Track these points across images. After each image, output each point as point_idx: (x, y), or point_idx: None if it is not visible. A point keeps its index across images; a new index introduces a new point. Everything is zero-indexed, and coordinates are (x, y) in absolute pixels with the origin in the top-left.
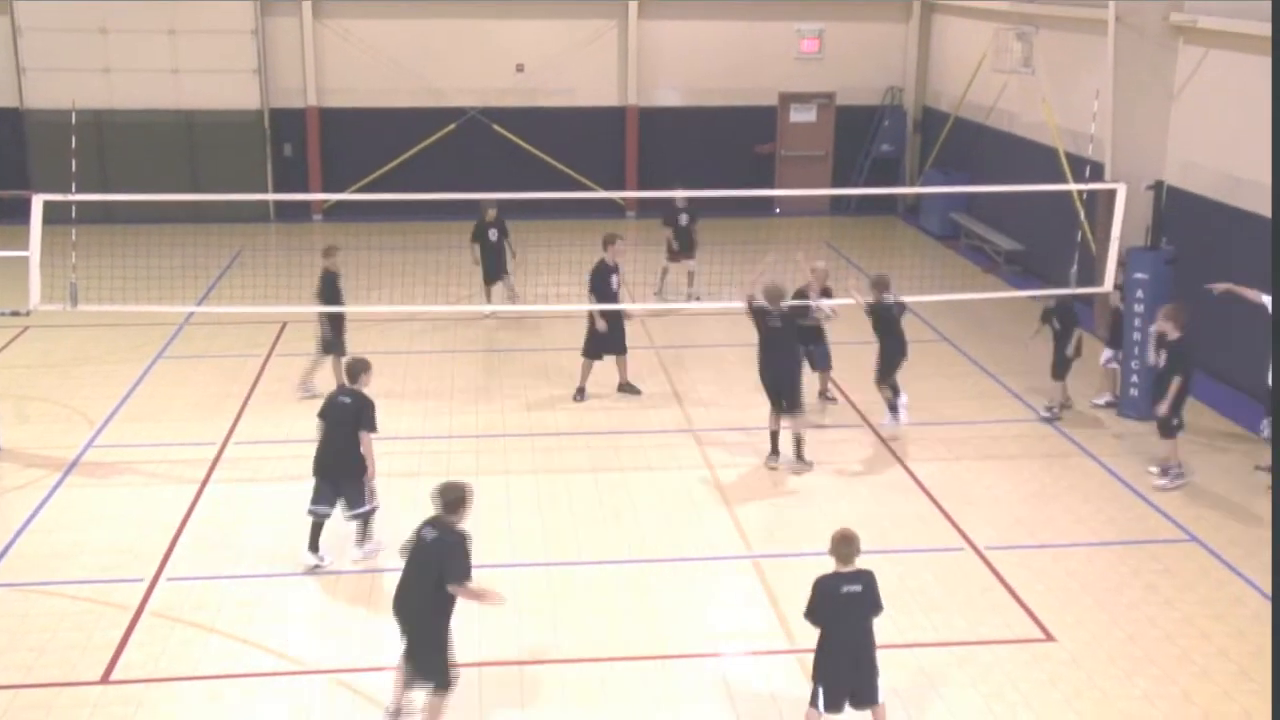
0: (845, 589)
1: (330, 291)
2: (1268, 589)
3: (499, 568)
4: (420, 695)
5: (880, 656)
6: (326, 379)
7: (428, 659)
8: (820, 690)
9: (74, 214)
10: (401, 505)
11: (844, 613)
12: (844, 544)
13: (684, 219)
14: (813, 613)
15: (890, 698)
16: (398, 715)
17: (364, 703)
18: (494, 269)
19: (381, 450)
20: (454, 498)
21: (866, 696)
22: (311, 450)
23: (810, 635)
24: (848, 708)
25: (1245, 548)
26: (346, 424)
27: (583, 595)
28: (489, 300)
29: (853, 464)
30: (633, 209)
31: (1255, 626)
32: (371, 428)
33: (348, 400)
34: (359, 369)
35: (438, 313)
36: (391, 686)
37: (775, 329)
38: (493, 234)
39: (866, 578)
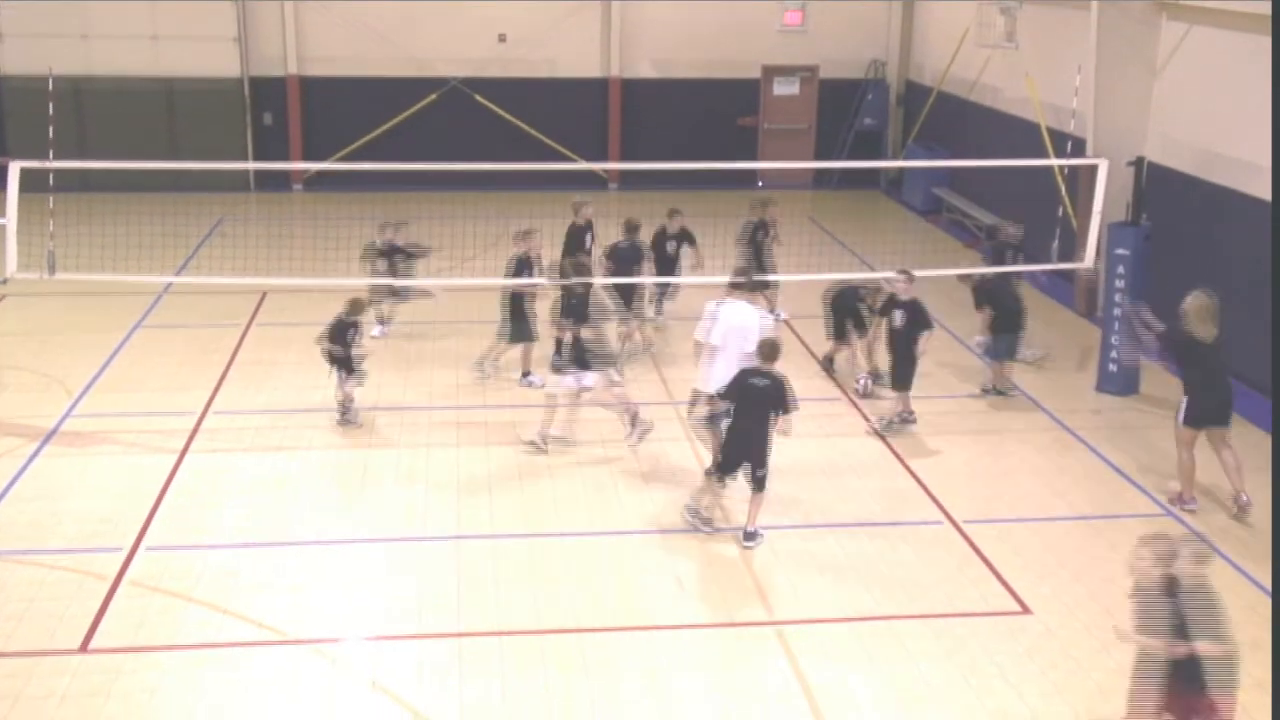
0: (754, 381)
1: (521, 272)
2: (1241, 562)
3: (480, 539)
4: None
5: (859, 628)
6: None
7: (764, 468)
8: (720, 461)
9: (52, 182)
10: (379, 479)
11: (747, 400)
12: (766, 347)
13: (670, 246)
14: (725, 394)
15: (868, 669)
16: (709, 521)
17: (343, 672)
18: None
19: (365, 420)
20: (770, 350)
21: (755, 480)
22: (290, 419)
23: (789, 606)
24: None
25: (1220, 522)
26: (764, 406)
27: (562, 567)
28: None
29: (832, 438)
30: (615, 181)
31: (1228, 599)
32: (794, 405)
33: (765, 382)
34: (771, 351)
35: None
36: (702, 498)
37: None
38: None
39: (777, 377)
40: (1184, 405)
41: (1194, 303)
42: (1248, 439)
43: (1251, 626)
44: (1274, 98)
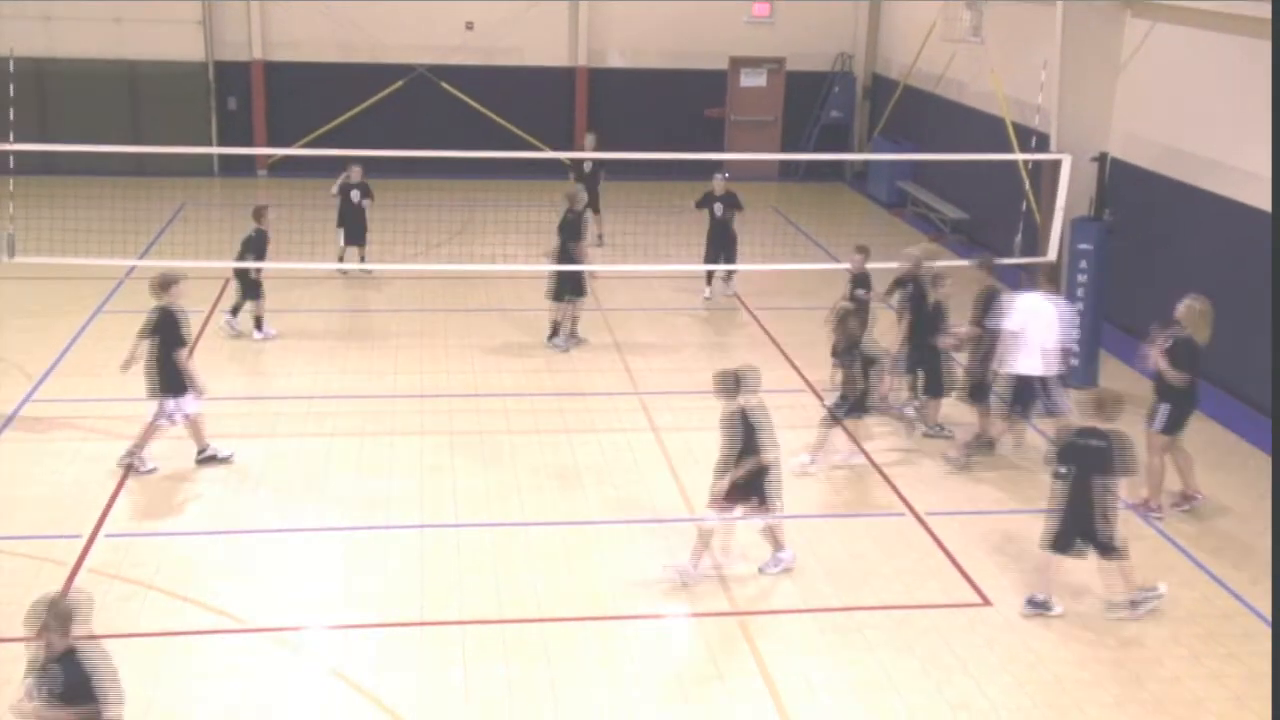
0: (1089, 442)
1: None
2: (1197, 554)
3: (443, 528)
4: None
5: (820, 619)
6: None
7: (1106, 537)
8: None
9: (12, 164)
10: (342, 467)
11: (1083, 464)
12: (1106, 402)
13: (588, 166)
14: (1058, 457)
15: (828, 661)
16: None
17: (303, 660)
18: (354, 231)
19: (329, 410)
20: (1107, 405)
21: (1102, 550)
22: (253, 406)
23: (751, 597)
24: None
25: (1177, 519)
26: (1099, 470)
27: (524, 556)
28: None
29: (796, 428)
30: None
31: (1185, 592)
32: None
33: (1102, 444)
34: (1110, 407)
35: (383, 271)
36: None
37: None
38: (354, 195)
39: (1114, 437)
40: (1164, 412)
41: (1196, 307)
42: (1208, 434)
43: (1230, 640)
44: (1274, 100)
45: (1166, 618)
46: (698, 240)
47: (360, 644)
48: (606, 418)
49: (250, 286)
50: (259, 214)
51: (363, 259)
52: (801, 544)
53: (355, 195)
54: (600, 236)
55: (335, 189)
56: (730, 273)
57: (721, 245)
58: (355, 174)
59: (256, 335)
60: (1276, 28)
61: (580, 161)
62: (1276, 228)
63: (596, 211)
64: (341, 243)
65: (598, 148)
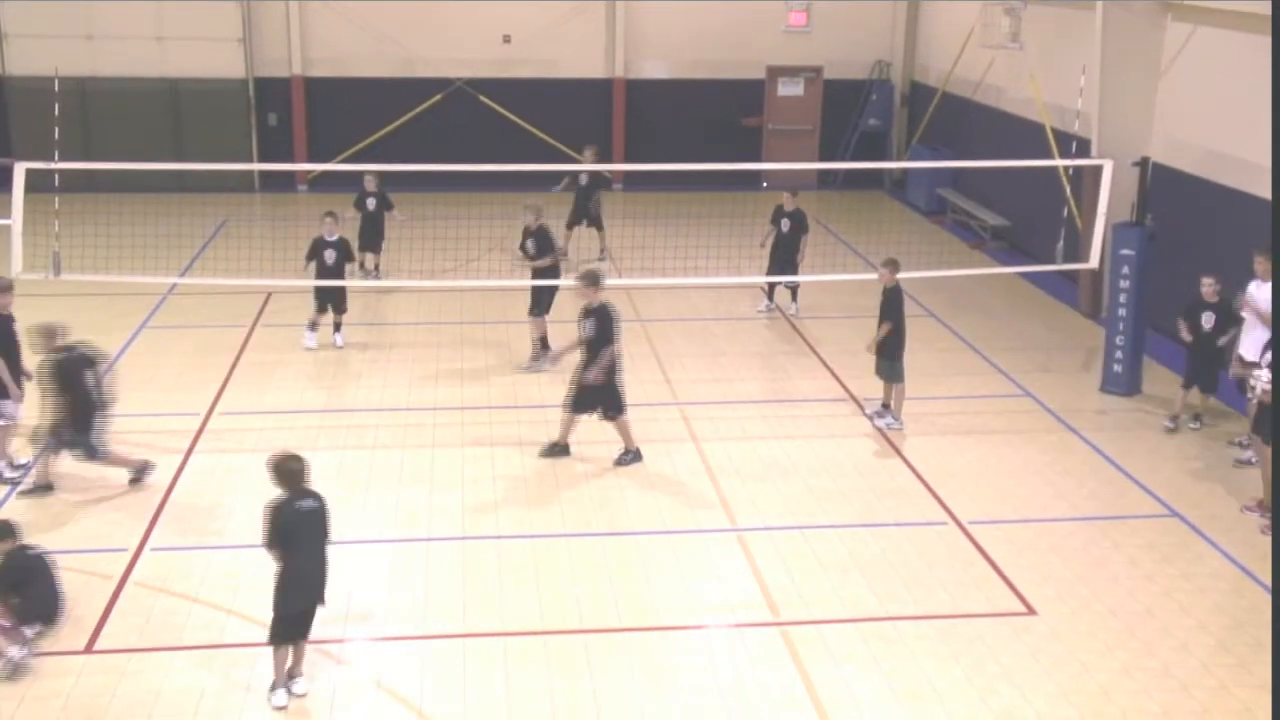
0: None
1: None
2: (1246, 563)
3: (485, 539)
4: None
5: (863, 629)
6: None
7: None
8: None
9: (57, 182)
10: (383, 479)
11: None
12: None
13: (785, 224)
14: None
15: (871, 671)
16: None
17: (346, 671)
18: (368, 237)
19: (370, 422)
20: None
21: None
22: (295, 420)
23: (792, 607)
24: None
25: (1224, 522)
26: None
27: (566, 567)
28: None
29: (836, 437)
30: (619, 181)
31: (1233, 600)
32: None
33: None
34: None
35: (417, 286)
36: None
37: None
38: (370, 203)
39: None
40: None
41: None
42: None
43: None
44: (1274, 98)
45: (1214, 625)
46: (732, 251)
47: (403, 656)
48: (646, 428)
49: (320, 294)
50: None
51: (376, 266)
52: (843, 553)
53: (371, 204)
54: (603, 251)
55: (354, 204)
56: (795, 292)
57: (786, 261)
58: (370, 183)
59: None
60: (1276, 27)
61: (576, 175)
62: (1276, 224)
63: (599, 228)
64: (356, 249)
65: (597, 160)
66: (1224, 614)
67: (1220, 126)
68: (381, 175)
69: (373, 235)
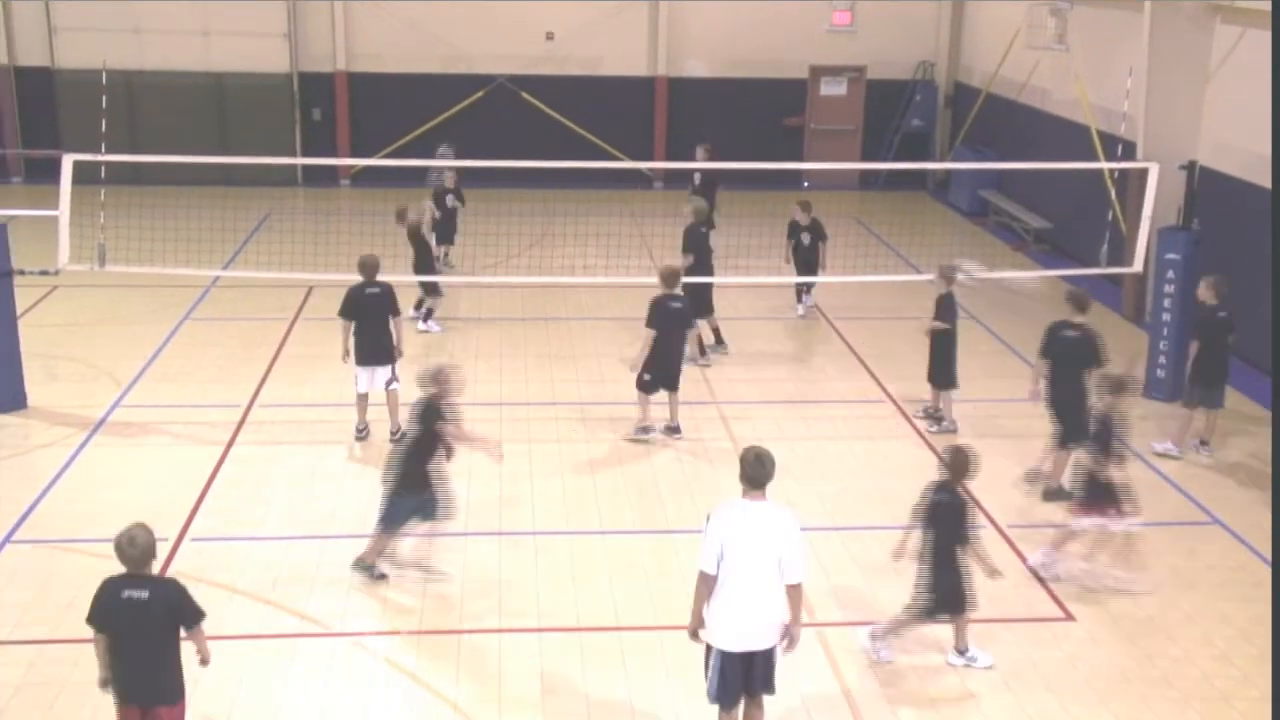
0: None
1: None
2: None
3: (521, 535)
4: None
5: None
6: None
7: None
8: None
9: (103, 174)
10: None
11: None
12: None
13: (805, 238)
14: None
15: (908, 675)
16: None
17: (384, 665)
18: (446, 233)
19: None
20: None
21: None
22: (336, 413)
23: (827, 608)
24: None
25: (1266, 531)
26: None
27: (602, 565)
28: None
29: (874, 439)
30: (660, 179)
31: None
32: None
33: None
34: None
35: (459, 281)
36: None
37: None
38: (449, 200)
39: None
40: None
41: None
42: None
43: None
44: (1274, 97)
45: (1257, 636)
46: (772, 251)
47: (439, 650)
48: (684, 427)
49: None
50: (400, 216)
51: (446, 255)
52: (881, 556)
53: (449, 200)
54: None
55: (432, 200)
56: (810, 289)
57: (809, 268)
58: (449, 179)
59: (420, 326)
60: (1276, 27)
61: (798, 232)
62: (1276, 218)
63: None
64: (434, 244)
65: (815, 222)
66: (1266, 624)
67: (1269, 131)
68: (461, 171)
69: (449, 230)
